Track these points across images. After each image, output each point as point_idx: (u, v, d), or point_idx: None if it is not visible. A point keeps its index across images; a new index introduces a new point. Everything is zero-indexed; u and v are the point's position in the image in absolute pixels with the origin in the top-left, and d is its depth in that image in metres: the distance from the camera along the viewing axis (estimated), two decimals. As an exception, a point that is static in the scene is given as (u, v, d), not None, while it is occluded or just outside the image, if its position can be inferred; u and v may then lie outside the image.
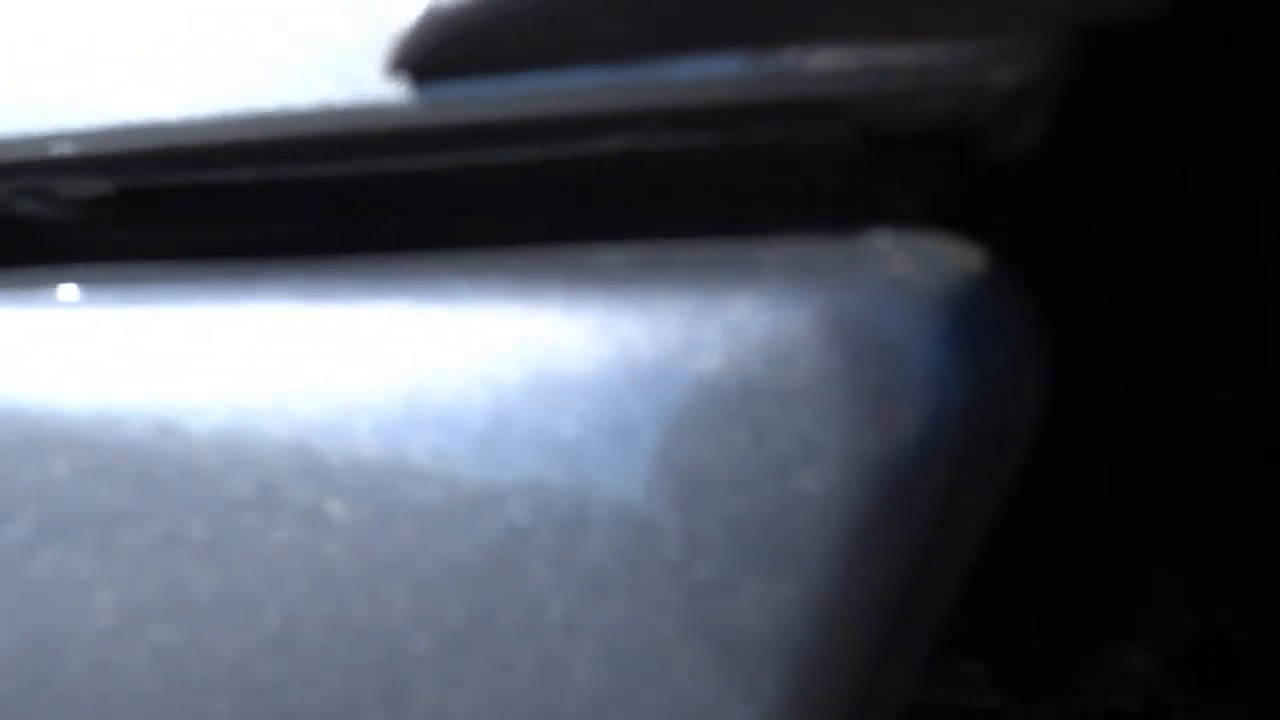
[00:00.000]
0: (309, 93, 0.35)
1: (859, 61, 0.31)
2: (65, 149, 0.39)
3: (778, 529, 0.29)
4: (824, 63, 0.31)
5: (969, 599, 0.32)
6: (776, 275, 0.30)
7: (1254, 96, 0.58)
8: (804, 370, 0.29)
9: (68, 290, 0.41)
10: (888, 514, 0.29)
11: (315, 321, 0.36)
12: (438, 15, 0.33)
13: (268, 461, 0.35)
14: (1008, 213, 0.38)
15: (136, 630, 0.36)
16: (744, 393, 0.29)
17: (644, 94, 0.33)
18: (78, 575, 0.37)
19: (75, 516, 0.38)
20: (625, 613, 0.30)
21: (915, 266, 0.30)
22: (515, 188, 0.37)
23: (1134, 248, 0.62)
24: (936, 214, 0.35)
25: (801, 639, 0.29)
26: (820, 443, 0.29)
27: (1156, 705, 0.73)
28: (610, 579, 0.30)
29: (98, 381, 0.38)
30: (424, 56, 0.33)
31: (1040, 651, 0.72)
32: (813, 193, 0.36)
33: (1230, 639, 0.70)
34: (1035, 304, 0.32)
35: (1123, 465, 0.68)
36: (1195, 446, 0.66)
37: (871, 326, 0.29)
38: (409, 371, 0.34)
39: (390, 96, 0.34)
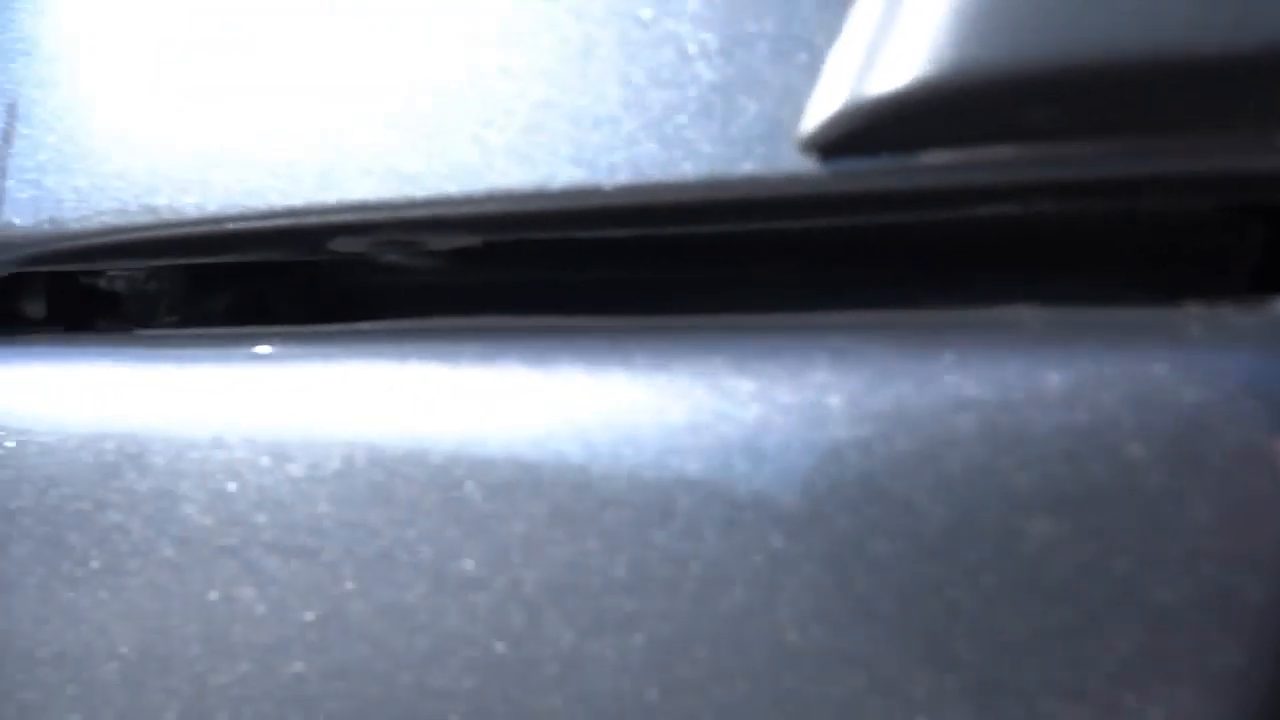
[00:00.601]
0: (721, 164, 0.38)
1: (1248, 142, 0.35)
2: (458, 210, 0.42)
3: (1213, 589, 0.32)
4: (1222, 144, 0.35)
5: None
6: (1205, 340, 0.34)
7: None
8: (1245, 434, 0.33)
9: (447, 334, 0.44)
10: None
11: (692, 374, 0.39)
12: (864, 102, 0.36)
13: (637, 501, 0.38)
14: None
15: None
16: (1188, 454, 0.33)
17: (1043, 169, 0.37)
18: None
19: (485, 548, 0.41)
20: (1071, 661, 0.34)
21: (1325, 334, 0.34)
22: (897, 250, 0.41)
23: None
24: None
25: (1230, 687, 0.32)
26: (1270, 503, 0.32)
27: None
28: (1044, 625, 0.34)
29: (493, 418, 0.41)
30: (842, 137, 0.37)
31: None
32: (1169, 258, 0.40)
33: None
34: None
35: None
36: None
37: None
38: (817, 426, 0.37)
39: (804, 169, 0.38)
